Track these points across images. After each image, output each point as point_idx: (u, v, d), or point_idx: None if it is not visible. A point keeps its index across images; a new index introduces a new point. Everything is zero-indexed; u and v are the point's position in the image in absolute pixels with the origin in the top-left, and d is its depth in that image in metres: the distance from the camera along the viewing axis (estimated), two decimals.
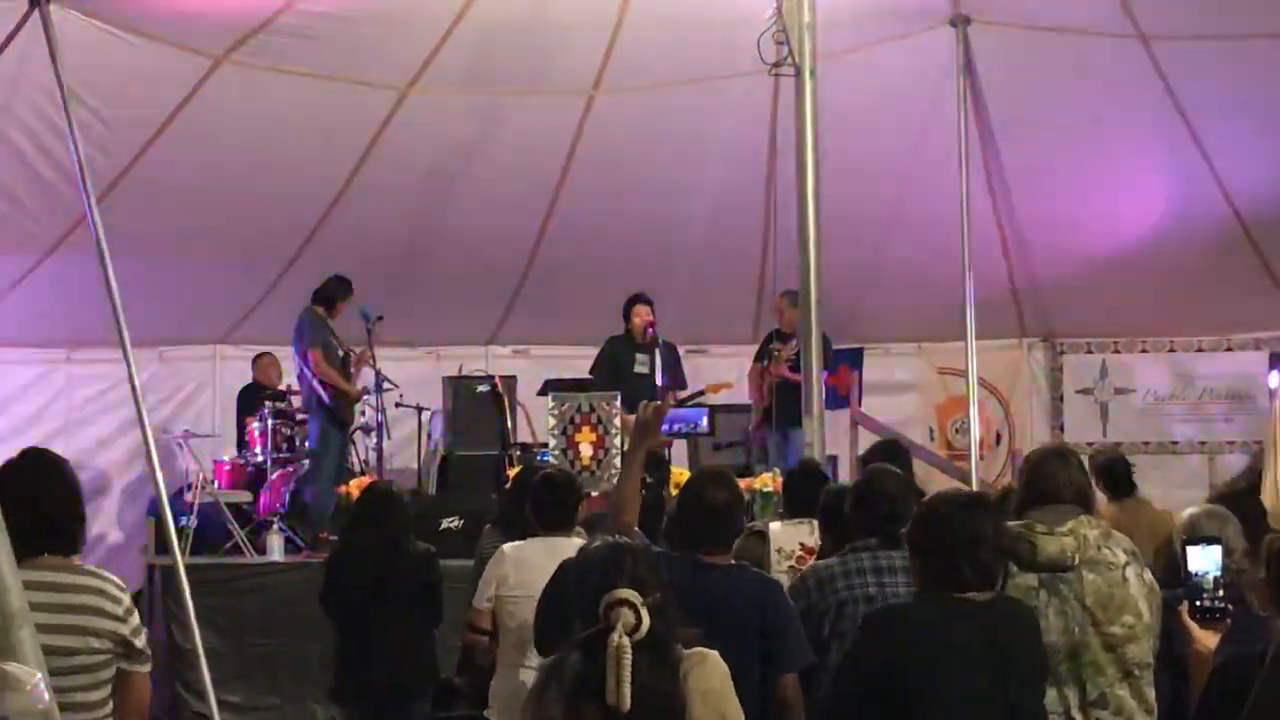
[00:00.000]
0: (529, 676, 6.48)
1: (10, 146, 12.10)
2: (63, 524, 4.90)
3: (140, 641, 4.88)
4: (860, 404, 14.57)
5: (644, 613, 4.17)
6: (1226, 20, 11.81)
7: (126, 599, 4.88)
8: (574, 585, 4.54)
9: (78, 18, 10.79)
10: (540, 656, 6.80)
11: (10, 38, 10.73)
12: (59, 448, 14.28)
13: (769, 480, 12.02)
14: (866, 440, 13.37)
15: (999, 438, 16.33)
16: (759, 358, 14.06)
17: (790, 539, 7.45)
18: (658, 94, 13.05)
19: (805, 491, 7.77)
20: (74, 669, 4.65)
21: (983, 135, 13.17)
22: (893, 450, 8.35)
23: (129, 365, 9.45)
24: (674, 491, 10.73)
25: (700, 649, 4.39)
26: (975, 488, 11.43)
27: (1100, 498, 10.49)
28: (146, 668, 4.95)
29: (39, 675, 2.23)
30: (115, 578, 4.95)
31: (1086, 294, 15.22)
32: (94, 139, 11.71)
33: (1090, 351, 16.44)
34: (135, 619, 4.89)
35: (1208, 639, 5.22)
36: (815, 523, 7.64)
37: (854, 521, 6.60)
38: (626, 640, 4.12)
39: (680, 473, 11.88)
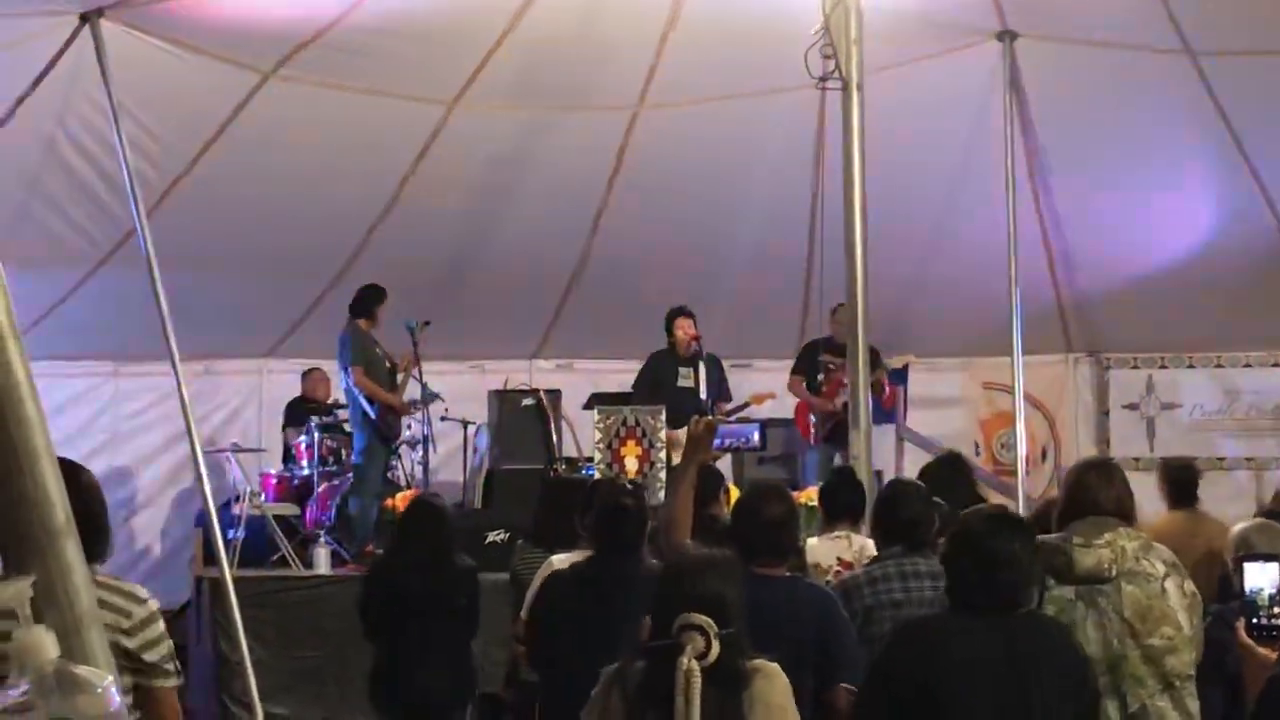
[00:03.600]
0: None
1: (60, 160, 12.17)
2: (83, 533, 4.79)
3: (155, 656, 4.67)
4: (906, 419, 14.55)
5: (714, 642, 4.18)
6: (1274, 36, 11.77)
7: (139, 612, 4.66)
8: (656, 590, 4.54)
9: (127, 33, 10.85)
10: (531, 668, 6.87)
11: (61, 53, 10.81)
12: (106, 460, 14.72)
13: (814, 495, 12.01)
14: (912, 455, 13.37)
15: (1045, 453, 16.26)
16: (803, 371, 14.00)
17: (828, 554, 7.45)
18: (704, 109, 13.05)
19: (844, 500, 7.76)
20: None
21: (1029, 150, 13.15)
22: (954, 464, 8.36)
23: (177, 378, 9.51)
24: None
25: (763, 662, 4.41)
26: (1021, 503, 11.41)
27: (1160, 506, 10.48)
28: (169, 683, 4.73)
29: (109, 677, 2.24)
30: (135, 590, 4.76)
31: (1133, 309, 15.17)
32: (143, 153, 11.81)
33: (1137, 367, 16.36)
34: (150, 633, 4.67)
35: (1268, 657, 5.20)
36: (852, 537, 7.69)
37: (878, 532, 6.75)
38: (696, 665, 4.14)
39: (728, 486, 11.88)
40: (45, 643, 2.21)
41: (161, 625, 4.76)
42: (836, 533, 7.65)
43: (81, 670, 2.22)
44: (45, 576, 2.28)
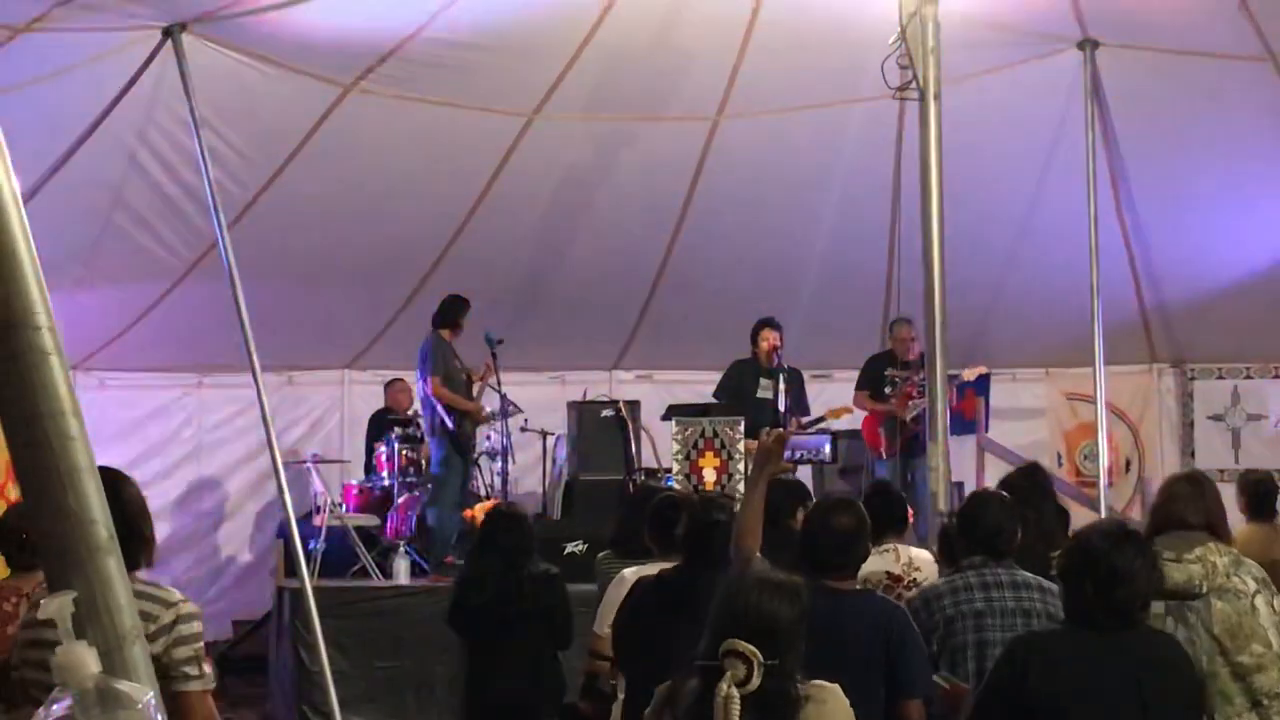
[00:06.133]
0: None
1: (144, 173, 12.30)
2: (121, 541, 4.74)
3: (172, 658, 4.57)
4: (987, 430, 14.46)
5: (756, 670, 4.14)
6: None
7: (166, 616, 4.60)
8: (712, 607, 4.52)
9: (210, 46, 10.96)
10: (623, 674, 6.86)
11: (144, 66, 10.92)
12: (191, 471, 14.85)
13: None
14: (993, 466, 13.28)
15: (1128, 464, 16.11)
16: (867, 385, 13.96)
17: (876, 568, 7.39)
18: (782, 119, 13.03)
19: (884, 513, 7.70)
20: None
21: (1111, 159, 13.04)
22: (1034, 475, 8.30)
23: (259, 390, 9.58)
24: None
25: (822, 684, 4.36)
26: (1104, 514, 11.32)
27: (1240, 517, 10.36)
28: (193, 686, 4.62)
29: (150, 693, 2.25)
30: (167, 594, 4.70)
31: (1217, 319, 15.00)
32: (225, 166, 11.92)
33: (1222, 377, 16.17)
34: (173, 636, 4.59)
35: None
36: (899, 549, 7.65)
37: (961, 542, 6.73)
38: (735, 692, 4.10)
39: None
40: (86, 658, 2.23)
41: (193, 627, 4.66)
42: (884, 546, 7.61)
43: (123, 685, 2.23)
44: (87, 592, 2.30)
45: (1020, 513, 6.85)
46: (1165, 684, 4.87)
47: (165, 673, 4.53)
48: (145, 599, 4.59)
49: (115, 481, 4.75)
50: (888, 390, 13.73)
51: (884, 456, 13.69)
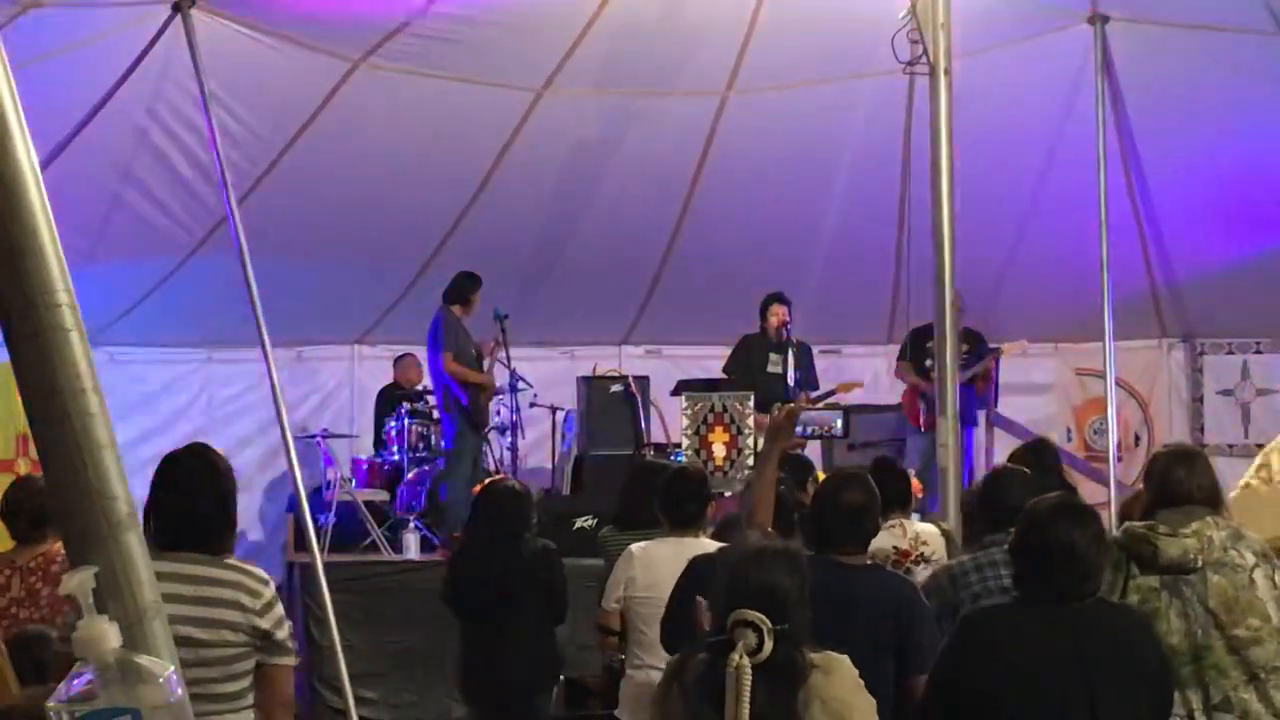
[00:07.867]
0: (657, 677, 6.50)
1: (153, 149, 12.31)
2: (210, 525, 4.95)
3: (280, 635, 4.87)
4: (996, 405, 14.46)
5: (767, 638, 4.15)
6: None
7: (267, 593, 4.87)
8: (715, 582, 4.53)
9: (218, 21, 10.94)
10: (668, 654, 6.84)
11: (153, 42, 10.91)
12: None
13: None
14: (1002, 441, 13.29)
15: (1138, 439, 16.09)
16: (909, 356, 13.95)
17: (884, 544, 7.40)
18: (791, 93, 13.01)
19: (888, 489, 7.72)
20: (208, 661, 4.67)
21: (1121, 133, 13.01)
22: (1041, 450, 8.30)
23: (269, 365, 9.59)
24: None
25: (830, 654, 4.35)
26: (1113, 489, 11.32)
27: None
28: (288, 660, 4.94)
29: (171, 668, 2.27)
30: (259, 572, 4.96)
31: (1228, 294, 14.94)
32: (234, 141, 11.92)
33: (1231, 352, 16.13)
34: (275, 613, 4.88)
35: None
36: (905, 524, 7.66)
37: (982, 518, 6.71)
38: (747, 661, 4.10)
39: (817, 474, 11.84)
40: (107, 633, 2.24)
41: (281, 605, 4.96)
42: (890, 522, 7.61)
43: (144, 660, 2.25)
44: (108, 568, 2.31)
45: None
46: (1116, 659, 4.86)
47: (273, 646, 4.88)
48: (248, 576, 4.89)
49: (216, 466, 4.92)
50: (928, 363, 13.74)
51: (923, 430, 13.68)
